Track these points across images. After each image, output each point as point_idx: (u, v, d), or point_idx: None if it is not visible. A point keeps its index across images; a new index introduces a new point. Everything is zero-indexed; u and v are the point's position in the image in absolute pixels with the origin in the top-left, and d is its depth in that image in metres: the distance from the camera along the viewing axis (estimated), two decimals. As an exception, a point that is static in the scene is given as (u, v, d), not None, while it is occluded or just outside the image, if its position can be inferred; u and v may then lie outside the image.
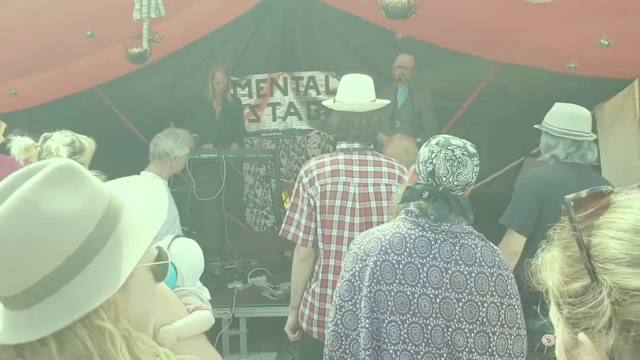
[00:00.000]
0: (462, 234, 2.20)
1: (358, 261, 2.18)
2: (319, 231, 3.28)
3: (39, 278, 1.01)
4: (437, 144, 2.24)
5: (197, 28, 6.54)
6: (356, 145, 3.31)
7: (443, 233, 2.18)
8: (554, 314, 0.94)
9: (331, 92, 7.76)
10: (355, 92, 3.34)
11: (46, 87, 6.08)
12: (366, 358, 2.12)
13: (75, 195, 1.05)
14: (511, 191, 6.97)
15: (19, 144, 2.72)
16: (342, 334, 2.16)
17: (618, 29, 4.25)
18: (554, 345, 0.96)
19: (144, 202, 1.18)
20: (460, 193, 2.20)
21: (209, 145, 6.21)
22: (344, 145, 3.34)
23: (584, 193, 0.90)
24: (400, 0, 4.02)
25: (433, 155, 2.20)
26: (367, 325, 2.11)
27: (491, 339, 2.12)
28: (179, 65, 7.17)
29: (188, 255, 2.63)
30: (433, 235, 2.17)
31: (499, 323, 2.12)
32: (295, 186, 3.41)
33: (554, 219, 2.78)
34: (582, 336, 0.86)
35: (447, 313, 2.11)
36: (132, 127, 7.47)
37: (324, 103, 3.58)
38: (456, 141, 2.25)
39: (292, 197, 3.43)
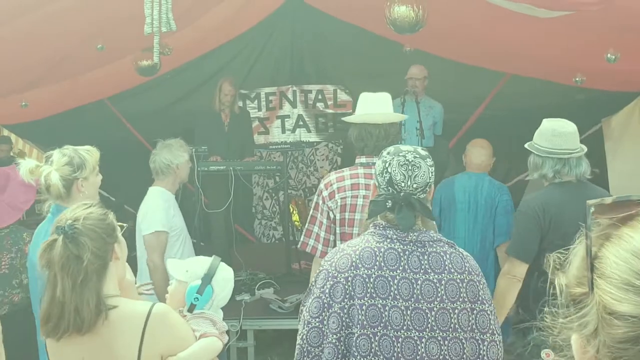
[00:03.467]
0: (430, 242, 2.21)
1: (329, 278, 2.18)
2: (339, 243, 3.29)
3: None
4: (388, 153, 2.29)
5: (206, 41, 6.60)
6: (375, 159, 3.32)
7: (411, 243, 2.19)
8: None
9: (339, 105, 7.81)
10: (373, 105, 3.40)
11: (56, 99, 6.13)
12: None
13: None
14: (518, 204, 6.99)
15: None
16: (304, 350, 2.16)
17: (625, 43, 4.26)
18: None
19: None
20: (422, 195, 2.23)
21: (217, 158, 6.24)
22: (363, 159, 3.37)
23: (608, 200, 0.87)
24: (408, 14, 4.04)
25: (387, 165, 2.25)
26: (333, 341, 2.11)
27: (464, 345, 2.12)
28: (189, 78, 7.23)
29: (228, 284, 2.65)
30: (401, 246, 2.19)
31: (468, 328, 2.13)
32: (315, 199, 3.44)
33: (557, 242, 2.78)
34: (573, 337, 0.88)
35: (418, 324, 2.11)
36: (142, 138, 7.52)
37: (343, 118, 3.62)
38: (406, 147, 2.31)
39: (311, 210, 3.46)
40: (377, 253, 2.17)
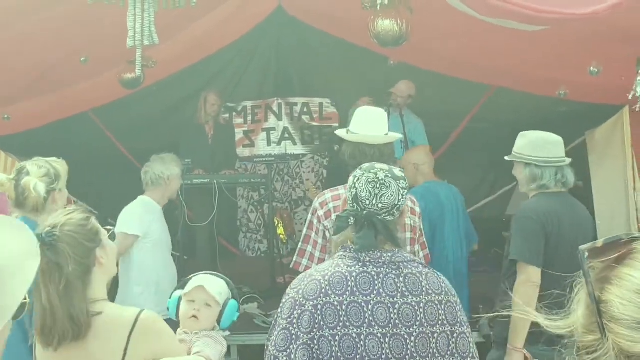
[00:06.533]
0: (405, 263, 2.09)
1: (296, 307, 2.02)
2: None
3: None
4: (360, 168, 2.19)
5: (191, 54, 6.58)
6: None
7: (385, 265, 2.06)
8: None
9: (325, 118, 7.79)
10: (370, 124, 3.34)
11: (39, 111, 6.08)
12: None
13: None
14: (503, 216, 7.01)
15: None
16: None
17: (607, 56, 4.29)
18: None
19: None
20: (388, 217, 2.11)
21: (200, 171, 6.21)
22: None
23: (599, 243, 0.86)
24: (392, 28, 4.04)
25: (355, 180, 2.15)
26: None
27: None
28: (173, 91, 7.20)
29: None
30: (375, 269, 2.05)
31: (449, 352, 2.02)
32: (309, 218, 3.37)
33: (551, 252, 2.75)
34: None
35: (397, 351, 1.99)
36: (125, 151, 7.47)
37: (336, 132, 3.56)
38: (381, 165, 2.20)
39: (304, 229, 3.40)
40: (348, 278, 2.03)
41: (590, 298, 0.84)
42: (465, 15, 3.85)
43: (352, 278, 2.03)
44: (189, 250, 6.21)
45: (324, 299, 2.00)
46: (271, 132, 7.89)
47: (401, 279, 2.05)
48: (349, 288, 2.02)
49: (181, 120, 7.03)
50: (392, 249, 2.11)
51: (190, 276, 2.79)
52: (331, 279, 2.04)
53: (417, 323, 2.01)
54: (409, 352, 1.99)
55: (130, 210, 4.30)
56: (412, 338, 2.00)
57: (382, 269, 2.06)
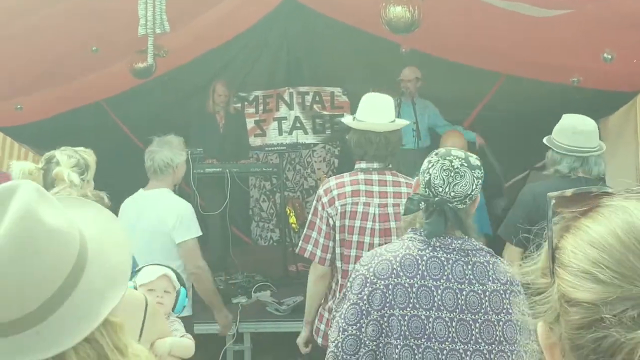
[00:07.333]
0: (474, 251, 2.14)
1: (367, 284, 2.10)
2: (338, 250, 3.26)
3: (52, 292, 1.01)
4: (436, 154, 2.20)
5: (203, 43, 6.59)
6: (375, 165, 3.29)
7: (454, 252, 2.12)
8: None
9: (336, 107, 7.79)
10: (376, 111, 3.33)
11: (51, 101, 6.11)
12: None
13: (58, 212, 1.06)
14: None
15: (20, 168, 2.67)
16: (339, 358, 2.10)
17: (621, 42, 4.25)
18: None
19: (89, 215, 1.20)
20: (459, 206, 2.13)
21: (213, 161, 6.23)
22: (363, 165, 3.31)
23: (569, 192, 0.89)
24: (404, 15, 4.03)
25: (430, 165, 2.16)
26: (373, 347, 2.05)
27: (510, 358, 2.07)
28: (184, 80, 7.20)
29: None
30: (445, 255, 2.11)
31: (514, 341, 2.07)
32: (314, 204, 3.38)
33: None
34: (539, 324, 0.90)
35: (463, 336, 2.06)
36: (137, 140, 7.49)
37: (343, 120, 3.56)
38: (457, 152, 2.19)
39: (309, 215, 3.41)
40: (419, 261, 2.10)
41: (548, 243, 0.88)
42: (478, 1, 3.83)
43: (423, 262, 2.10)
44: (201, 239, 6.21)
45: (395, 280, 2.08)
46: (282, 121, 7.89)
47: (469, 266, 2.12)
48: (420, 271, 2.09)
49: (193, 110, 7.03)
50: (462, 236, 2.16)
51: (137, 269, 2.86)
52: (402, 261, 2.11)
53: (482, 311, 2.08)
54: (473, 337, 2.06)
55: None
56: (477, 325, 2.07)
57: (452, 255, 2.12)
